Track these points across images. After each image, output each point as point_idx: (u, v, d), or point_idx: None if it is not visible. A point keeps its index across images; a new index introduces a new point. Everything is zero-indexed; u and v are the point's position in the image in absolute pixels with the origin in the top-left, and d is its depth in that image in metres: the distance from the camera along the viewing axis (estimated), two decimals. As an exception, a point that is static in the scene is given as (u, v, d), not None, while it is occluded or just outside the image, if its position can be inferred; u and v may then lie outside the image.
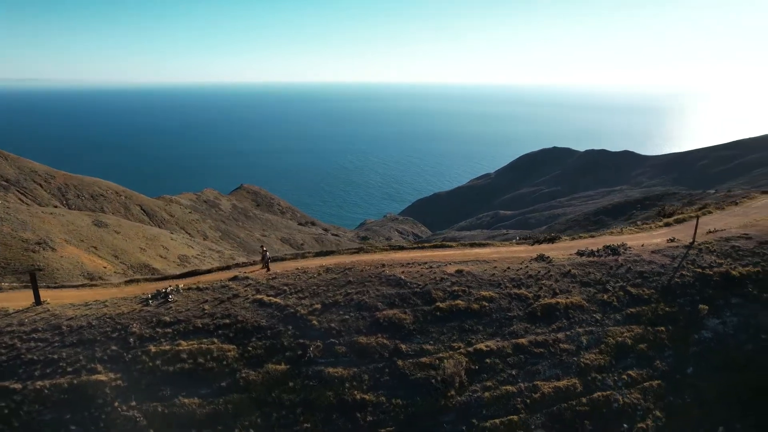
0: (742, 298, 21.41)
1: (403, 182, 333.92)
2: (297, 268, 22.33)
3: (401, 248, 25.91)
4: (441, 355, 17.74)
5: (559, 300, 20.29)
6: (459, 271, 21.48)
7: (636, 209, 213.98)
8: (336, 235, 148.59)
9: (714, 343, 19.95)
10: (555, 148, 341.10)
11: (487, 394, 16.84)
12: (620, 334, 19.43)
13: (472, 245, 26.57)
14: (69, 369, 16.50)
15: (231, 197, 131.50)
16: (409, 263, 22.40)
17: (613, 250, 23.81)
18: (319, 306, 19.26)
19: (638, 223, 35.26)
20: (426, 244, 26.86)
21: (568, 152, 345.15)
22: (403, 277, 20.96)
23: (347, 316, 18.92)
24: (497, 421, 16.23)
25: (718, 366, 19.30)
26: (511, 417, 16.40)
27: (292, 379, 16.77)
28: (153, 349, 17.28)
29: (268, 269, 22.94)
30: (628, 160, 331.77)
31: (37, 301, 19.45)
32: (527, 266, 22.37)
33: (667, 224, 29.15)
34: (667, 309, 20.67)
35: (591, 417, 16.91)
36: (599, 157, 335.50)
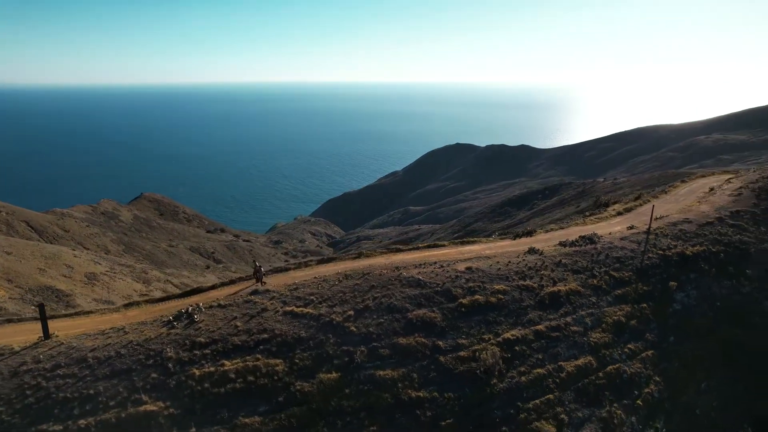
0: (698, 273, 25.35)
1: (310, 184, 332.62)
2: (315, 277, 22.54)
3: (398, 250, 26.94)
4: (476, 347, 19.18)
5: (560, 288, 22.65)
6: (469, 269, 23.07)
7: (537, 199, 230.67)
8: (248, 241, 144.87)
9: (683, 314, 23.50)
10: (458, 145, 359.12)
11: (523, 378, 18.59)
12: (614, 314, 22.22)
13: (463, 243, 28.32)
14: (111, 403, 15.59)
15: (131, 207, 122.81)
16: (421, 264, 23.57)
17: (589, 240, 26.83)
18: (352, 312, 19.79)
19: (587, 213, 39.26)
20: (420, 245, 28.15)
21: (470, 148, 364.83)
22: (421, 278, 22.08)
23: (381, 320, 19.68)
24: (537, 401, 18.03)
25: (690, 334, 22.81)
26: (548, 396, 18.30)
27: (346, 385, 17.25)
28: (197, 372, 16.80)
29: (263, 283, 22.78)
30: (525, 154, 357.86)
31: (46, 334, 17.84)
32: (524, 259, 24.55)
33: (620, 213, 33.14)
34: (644, 288, 23.92)
35: (609, 388, 19.35)
36: (499, 152, 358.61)
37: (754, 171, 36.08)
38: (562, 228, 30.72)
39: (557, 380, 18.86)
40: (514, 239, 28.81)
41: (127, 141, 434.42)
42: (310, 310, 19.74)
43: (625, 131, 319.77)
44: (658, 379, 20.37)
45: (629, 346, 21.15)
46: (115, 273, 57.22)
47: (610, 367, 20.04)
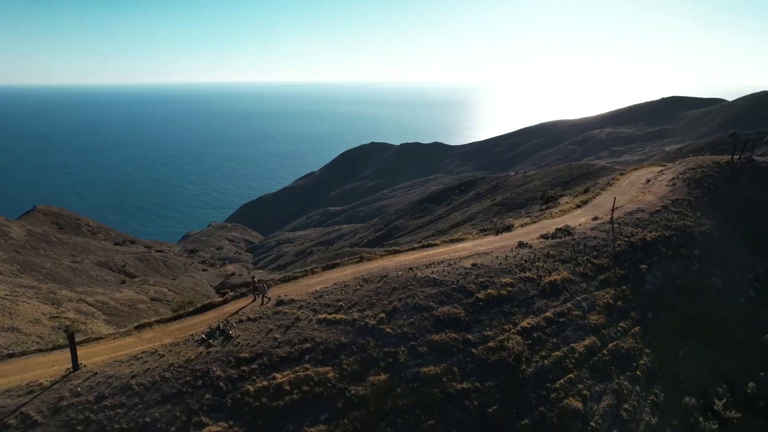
0: (659, 256, 29.04)
1: (222, 189, 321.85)
2: (335, 284, 22.87)
3: (397, 252, 27.94)
4: (500, 337, 20.79)
5: (556, 277, 24.98)
6: (474, 265, 24.67)
7: (454, 194, 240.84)
8: (161, 251, 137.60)
9: (654, 293, 26.91)
10: (373, 144, 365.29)
11: (546, 361, 20.50)
12: (603, 297, 24.96)
13: (453, 241, 29.91)
14: (172, 429, 15.15)
15: (24, 222, 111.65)
16: (431, 263, 24.76)
17: (566, 232, 29.61)
18: (383, 315, 20.52)
19: (543, 207, 42.62)
20: (415, 245, 29.32)
21: (385, 147, 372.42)
22: (436, 276, 23.30)
23: (412, 319, 20.63)
24: (562, 381, 20.01)
25: (661, 309, 26.21)
26: (569, 375, 20.37)
27: (396, 385, 18.04)
28: (251, 388, 16.72)
29: (264, 300, 22.12)
30: (438, 151, 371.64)
31: (75, 365, 16.66)
32: (518, 253, 26.64)
33: (578, 206, 36.59)
34: (621, 272, 27.02)
35: (613, 363, 21.87)
36: (413, 150, 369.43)
37: (680, 164, 41.55)
38: (535, 222, 33.39)
39: (573, 360, 21.01)
40: (497, 234, 30.92)
41: (10, 146, 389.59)
42: (343, 316, 20.19)
43: (530, 127, 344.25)
44: (648, 351, 23.32)
45: (620, 324, 23.94)
46: (17, 296, 52.08)
47: (611, 344, 22.62)
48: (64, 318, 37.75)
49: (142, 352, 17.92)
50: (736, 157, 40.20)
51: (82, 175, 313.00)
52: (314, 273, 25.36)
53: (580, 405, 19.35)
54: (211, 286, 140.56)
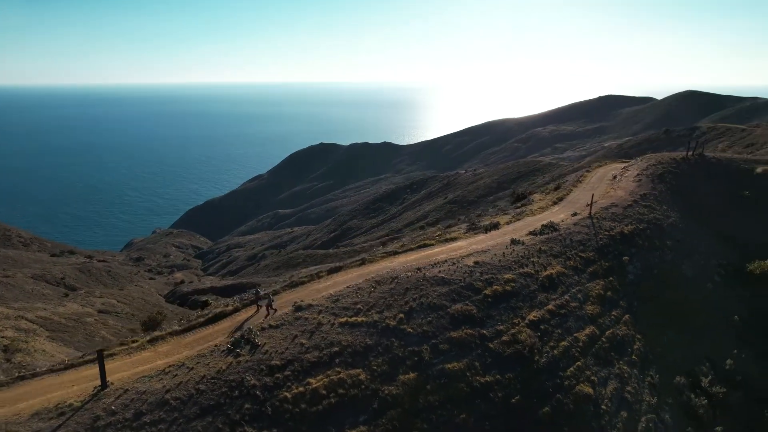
0: (636, 248, 31.26)
1: (166, 195, 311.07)
2: (348, 287, 23.13)
3: (396, 253, 28.52)
4: (512, 331, 21.87)
5: (551, 271, 26.44)
6: (476, 263, 25.67)
7: (406, 194, 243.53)
8: (104, 261, 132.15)
9: (636, 283, 28.99)
10: (322, 144, 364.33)
11: (555, 351, 21.78)
12: (594, 288, 26.68)
13: (447, 240, 30.81)
14: (217, 441, 15.06)
15: None
16: (436, 263, 25.51)
17: (552, 228, 31.24)
18: (402, 315, 21.08)
19: (518, 205, 44.38)
20: (412, 245, 29.97)
21: (334, 147, 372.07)
22: (443, 276, 24.09)
23: (429, 318, 21.32)
24: (572, 369, 21.35)
25: (645, 298, 28.29)
26: (577, 363, 21.75)
27: (425, 382, 18.68)
28: (288, 395, 16.85)
29: (273, 310, 21.72)
30: (388, 151, 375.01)
31: (104, 383, 16.13)
32: (513, 250, 27.90)
33: (555, 202, 38.52)
34: (606, 264, 28.91)
35: (612, 350, 23.51)
36: (363, 150, 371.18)
37: (641, 160, 44.63)
38: (518, 219, 34.91)
39: (578, 349, 22.43)
40: (486, 233, 32.13)
41: None
42: (364, 318, 20.58)
43: (476, 126, 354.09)
44: (639, 337, 25.19)
45: (613, 313, 25.70)
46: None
47: (608, 332, 24.28)
48: (2, 337, 35.63)
49: (169, 366, 17.55)
50: (690, 153, 43.65)
51: (8, 182, 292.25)
52: (320, 277, 25.53)
53: (590, 390, 20.74)
54: (160, 295, 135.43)
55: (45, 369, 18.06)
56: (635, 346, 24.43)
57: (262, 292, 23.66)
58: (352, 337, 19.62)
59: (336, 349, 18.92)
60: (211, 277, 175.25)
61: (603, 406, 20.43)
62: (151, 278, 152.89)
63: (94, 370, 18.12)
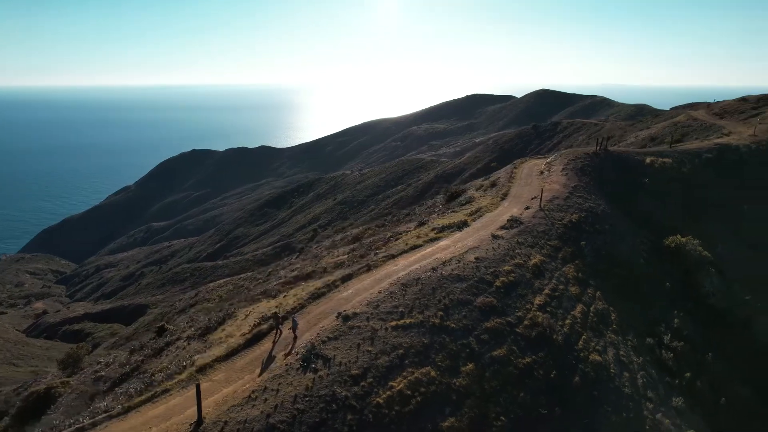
0: (585, 233, 36.29)
1: (7, 216, 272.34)
2: (379, 292, 24.04)
3: (393, 256, 29.91)
4: (529, 315, 24.77)
5: (535, 260, 29.96)
6: (477, 258, 28.19)
7: (294, 197, 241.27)
8: None
9: (594, 264, 33.83)
10: (195, 151, 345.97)
11: (565, 329, 25.14)
12: (569, 271, 30.79)
13: (433, 240, 32.88)
14: (339, 453, 15.54)
15: None
16: (445, 262, 27.44)
17: (517, 222, 34.97)
18: (441, 313, 22.77)
19: (463, 202, 47.84)
20: (405, 247, 31.47)
21: (208, 153, 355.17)
22: (458, 273, 26.19)
23: (464, 313, 23.30)
24: (581, 342, 24.86)
25: (602, 276, 33.18)
26: (583, 336, 25.35)
27: (483, 370, 20.67)
28: (380, 400, 17.73)
29: (295, 337, 21.08)
30: (266, 154, 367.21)
31: (200, 419, 15.49)
32: (498, 244, 30.94)
33: (502, 198, 42.59)
34: (569, 250, 33.33)
35: (600, 322, 27.63)
36: (240, 155, 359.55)
37: (560, 156, 51.03)
38: (481, 216, 38.19)
39: (579, 325, 26.07)
40: (461, 230, 34.81)
41: None
42: (411, 320, 21.89)
43: (355, 126, 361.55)
44: (612, 309, 29.72)
45: (588, 291, 29.98)
46: None
47: (592, 307, 28.39)
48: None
49: (252, 392, 17.25)
50: (598, 148, 51.02)
51: None
52: (336, 286, 26.09)
53: (600, 358, 24.40)
54: (18, 330, 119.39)
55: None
56: (612, 317, 28.86)
57: (282, 315, 23.30)
58: (409, 338, 20.85)
59: (401, 351, 20.04)
60: (81, 303, 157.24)
61: (612, 370, 24.19)
62: (2, 312, 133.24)
63: (159, 409, 17.16)
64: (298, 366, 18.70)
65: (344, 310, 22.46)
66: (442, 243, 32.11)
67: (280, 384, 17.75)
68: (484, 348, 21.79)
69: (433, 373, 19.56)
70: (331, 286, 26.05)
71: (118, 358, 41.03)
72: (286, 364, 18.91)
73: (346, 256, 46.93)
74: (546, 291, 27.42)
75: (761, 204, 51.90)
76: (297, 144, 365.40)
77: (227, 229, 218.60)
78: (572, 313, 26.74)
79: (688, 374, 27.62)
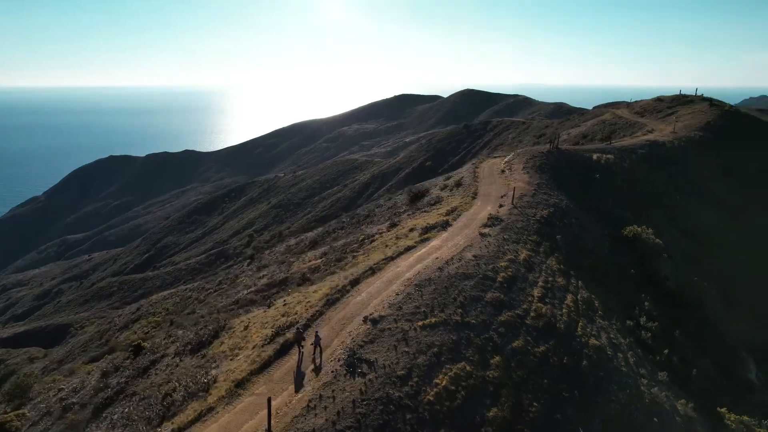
0: (556, 227, 38.93)
1: None
2: (397, 294, 24.64)
3: (392, 258, 30.59)
4: (533, 307, 26.51)
5: (523, 256, 31.89)
6: (475, 256, 29.60)
7: (225, 202, 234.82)
8: None
9: (568, 255, 36.42)
10: (113, 157, 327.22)
11: (564, 317, 27.11)
12: (553, 264, 33.05)
13: (423, 240, 33.88)
14: (409, 451, 16.15)
15: None
16: (449, 261, 28.53)
17: (497, 219, 36.86)
18: (460, 310, 23.86)
19: (431, 203, 49.22)
20: (401, 248, 32.17)
21: (128, 160, 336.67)
22: (463, 271, 27.42)
23: (479, 309, 24.54)
24: (578, 329, 26.93)
25: (577, 267, 35.83)
26: (579, 323, 27.46)
27: (509, 361, 21.98)
28: (430, 398, 18.52)
29: (317, 351, 20.82)
30: (192, 159, 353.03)
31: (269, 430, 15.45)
32: (489, 242, 32.57)
33: (473, 197, 44.45)
34: (548, 244, 35.70)
35: (588, 309, 30.01)
36: (163, 160, 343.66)
37: (518, 155, 53.99)
38: (459, 215, 39.73)
39: (574, 312, 28.21)
40: (445, 229, 36.14)
41: None
42: (435, 319, 22.79)
43: (285, 127, 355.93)
44: (593, 296, 32.28)
45: (572, 282, 32.34)
46: None
47: (578, 296, 30.71)
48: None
49: (309, 400, 17.35)
50: (552, 147, 54.54)
51: None
52: (347, 291, 26.41)
53: (597, 342, 26.58)
54: None
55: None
56: (596, 304, 31.40)
57: (302, 331, 22.87)
58: (439, 336, 21.75)
59: (435, 349, 20.89)
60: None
61: (608, 352, 26.47)
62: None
63: (213, 425, 16.87)
64: (345, 372, 19.00)
65: (370, 314, 22.93)
66: (434, 243, 33.25)
67: (333, 391, 18.00)
68: (503, 341, 23.14)
69: (468, 368, 20.58)
70: (343, 291, 26.34)
71: (87, 383, 38.61)
72: (333, 371, 19.14)
73: (320, 260, 46.99)
74: (540, 284, 29.35)
75: (689, 194, 57.99)
76: (224, 147, 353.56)
77: (155, 238, 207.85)
78: (565, 302, 28.83)
79: (666, 351, 30.70)
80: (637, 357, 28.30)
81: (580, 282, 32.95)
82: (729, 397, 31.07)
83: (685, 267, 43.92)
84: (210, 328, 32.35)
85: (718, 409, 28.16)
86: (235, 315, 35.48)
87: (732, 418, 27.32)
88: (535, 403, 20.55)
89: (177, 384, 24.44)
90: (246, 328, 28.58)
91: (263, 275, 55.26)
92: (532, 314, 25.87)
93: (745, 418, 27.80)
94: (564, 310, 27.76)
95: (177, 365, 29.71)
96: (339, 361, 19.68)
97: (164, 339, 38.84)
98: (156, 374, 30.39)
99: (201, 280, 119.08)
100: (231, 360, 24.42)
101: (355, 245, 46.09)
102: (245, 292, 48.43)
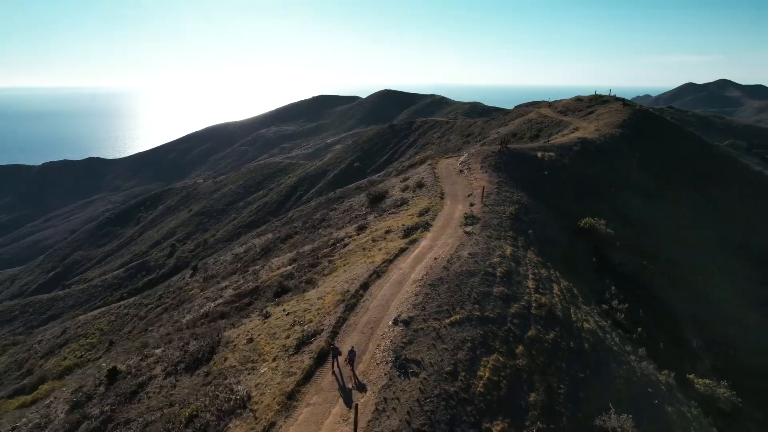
0: (524, 223, 41.67)
1: None
2: (416, 295, 25.47)
3: (391, 260, 31.36)
4: (533, 298, 28.56)
5: (509, 250, 34.03)
6: (470, 254, 31.18)
7: (141, 212, 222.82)
8: None
9: (540, 249, 39.18)
10: (1, 167, 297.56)
11: (559, 305, 29.44)
12: (533, 256, 35.55)
13: (412, 241, 34.92)
14: (480, 441, 17.23)
15: None
16: (449, 260, 29.80)
17: (474, 218, 38.79)
18: (477, 305, 25.29)
19: (388, 203, 50.32)
20: (396, 251, 32.94)
21: (20, 169, 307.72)
22: (465, 268, 28.85)
23: (492, 304, 26.12)
24: (571, 314, 29.38)
25: (549, 258, 38.71)
26: (571, 309, 29.96)
27: (530, 349, 23.73)
28: (481, 390, 19.71)
29: (350, 368, 20.64)
30: (96, 167, 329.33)
31: (358, 436, 15.78)
32: (477, 240, 34.33)
33: (441, 197, 46.12)
34: (522, 238, 38.22)
35: (571, 297, 32.66)
36: (62, 169, 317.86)
37: (472, 154, 56.61)
38: (435, 215, 41.23)
39: (564, 300, 30.69)
40: (427, 230, 37.47)
41: None
42: (459, 316, 24.01)
43: (199, 131, 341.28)
44: (572, 284, 35.14)
45: (551, 271, 34.99)
46: None
47: (562, 285, 33.34)
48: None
49: (376, 404, 17.82)
50: (502, 146, 57.83)
51: None
52: (361, 296, 26.87)
53: (588, 325, 29.18)
54: None
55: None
56: (575, 291, 34.26)
57: (337, 345, 22.36)
58: (468, 332, 23.00)
59: (469, 344, 22.13)
60: None
61: (599, 334, 29.15)
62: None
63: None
64: (398, 373, 19.66)
65: (398, 316, 23.65)
66: (424, 243, 34.49)
67: (395, 392, 18.61)
68: (520, 331, 24.87)
69: (501, 359, 22.02)
70: (355, 296, 26.77)
71: (53, 417, 35.64)
72: (386, 374, 19.70)
73: (291, 267, 46.65)
74: (530, 276, 31.56)
75: (619, 186, 63.98)
76: (133, 153, 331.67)
77: (61, 253, 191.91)
78: (554, 291, 31.27)
79: (639, 329, 34.21)
80: (620, 336, 31.37)
81: (557, 272, 35.70)
82: (688, 365, 35.30)
83: (630, 251, 48.72)
84: (203, 344, 31.26)
85: (687, 375, 32.00)
86: (222, 328, 34.46)
87: (700, 383, 31.22)
88: (561, 386, 22.43)
89: (197, 404, 23.63)
90: (251, 340, 28.03)
91: (225, 286, 53.58)
92: (534, 305, 27.88)
93: (708, 381, 31.87)
94: (556, 299, 30.13)
95: (174, 386, 28.51)
96: (387, 363, 20.27)
97: (139, 359, 36.73)
98: (149, 398, 28.93)
99: (124, 295, 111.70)
100: (250, 374, 24.05)
101: (326, 249, 46.18)
102: (212, 305, 46.75)
